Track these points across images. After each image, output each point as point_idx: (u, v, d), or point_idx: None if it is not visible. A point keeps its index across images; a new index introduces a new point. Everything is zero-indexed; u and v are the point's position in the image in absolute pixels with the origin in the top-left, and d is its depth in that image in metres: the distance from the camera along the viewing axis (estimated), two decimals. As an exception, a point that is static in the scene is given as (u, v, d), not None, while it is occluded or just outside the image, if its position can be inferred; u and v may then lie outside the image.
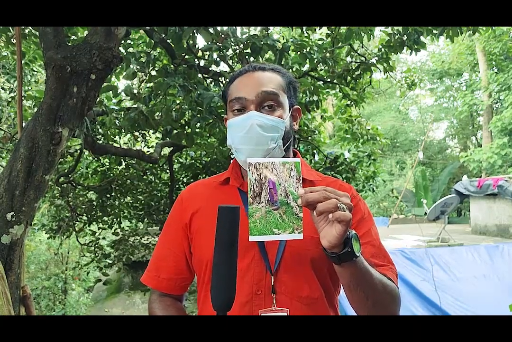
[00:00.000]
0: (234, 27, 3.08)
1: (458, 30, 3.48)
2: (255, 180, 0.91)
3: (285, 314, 1.07)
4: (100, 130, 4.11)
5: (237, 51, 3.13)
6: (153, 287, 1.27)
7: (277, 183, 0.91)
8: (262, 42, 2.97)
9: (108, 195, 4.87)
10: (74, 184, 4.73)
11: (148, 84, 3.75)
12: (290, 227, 0.91)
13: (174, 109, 3.35)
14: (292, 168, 0.92)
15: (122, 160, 4.61)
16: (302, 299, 1.11)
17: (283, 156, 1.16)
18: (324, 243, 0.91)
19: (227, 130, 1.21)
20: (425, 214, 10.86)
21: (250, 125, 1.10)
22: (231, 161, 4.36)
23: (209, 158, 4.79)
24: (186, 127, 3.67)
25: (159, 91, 3.05)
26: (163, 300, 1.25)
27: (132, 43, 3.83)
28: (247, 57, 3.24)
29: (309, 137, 4.95)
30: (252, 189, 0.91)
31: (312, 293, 1.12)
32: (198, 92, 2.83)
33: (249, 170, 0.91)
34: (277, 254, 1.11)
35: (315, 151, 5.12)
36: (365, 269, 0.98)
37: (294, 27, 3.82)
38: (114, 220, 5.17)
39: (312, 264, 1.11)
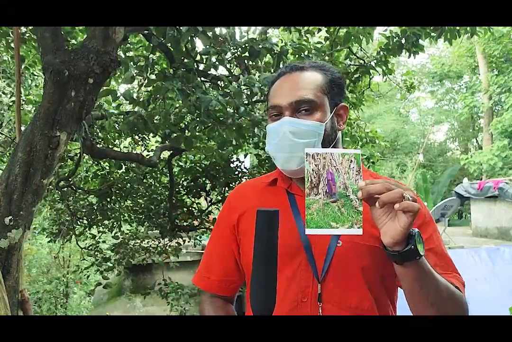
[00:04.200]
0: (232, 30, 3.09)
1: (456, 33, 3.49)
2: (312, 170, 0.86)
3: None
4: (99, 134, 4.12)
5: (236, 55, 3.14)
6: (203, 288, 1.26)
7: (335, 174, 0.87)
8: (260, 46, 2.98)
9: (108, 199, 4.87)
10: (74, 188, 4.73)
11: (147, 88, 3.76)
12: (349, 221, 0.86)
13: (173, 112, 3.36)
14: (352, 160, 0.87)
15: (122, 164, 4.61)
16: (351, 309, 1.05)
17: None
18: (386, 240, 0.85)
19: (266, 136, 1.16)
20: (426, 216, 10.81)
21: (283, 132, 1.06)
22: (230, 164, 4.32)
23: (209, 162, 4.79)
24: (186, 130, 3.68)
25: (158, 95, 3.05)
26: (213, 301, 1.24)
27: (131, 47, 3.84)
28: (245, 60, 3.24)
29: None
30: (309, 179, 0.86)
31: (361, 304, 1.06)
32: (197, 96, 2.84)
33: (306, 160, 0.87)
34: (325, 261, 1.06)
35: (314, 154, 5.12)
36: (429, 271, 0.91)
37: (292, 30, 3.83)
38: (114, 223, 5.16)
39: (363, 272, 1.06)
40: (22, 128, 2.43)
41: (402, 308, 1.06)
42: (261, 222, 0.78)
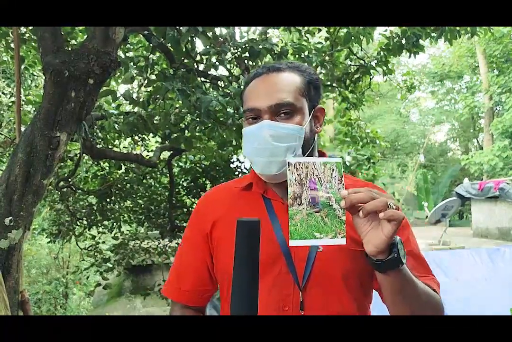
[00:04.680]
0: (232, 31, 3.09)
1: (456, 33, 3.49)
2: (295, 180, 0.85)
3: None
4: (99, 134, 4.12)
5: (236, 55, 3.14)
6: (174, 299, 1.21)
7: (318, 184, 0.86)
8: (260, 46, 2.98)
9: (108, 199, 4.87)
10: (74, 188, 4.73)
11: (147, 89, 3.76)
12: (333, 231, 0.85)
13: (173, 113, 3.36)
14: (333, 169, 0.87)
15: (121, 164, 4.61)
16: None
17: None
18: (369, 249, 0.85)
19: (242, 139, 1.11)
20: (426, 217, 10.83)
21: (263, 136, 1.01)
22: (230, 165, 4.32)
23: (209, 162, 4.79)
24: (186, 131, 3.68)
25: (158, 95, 3.05)
26: (184, 312, 1.20)
27: (131, 47, 3.84)
28: (245, 61, 3.24)
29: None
30: (293, 189, 0.85)
31: (343, 309, 1.04)
32: (197, 96, 2.83)
33: (288, 170, 0.85)
34: (305, 267, 1.03)
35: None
36: (410, 277, 0.91)
37: (292, 30, 3.83)
38: (114, 224, 5.16)
39: (344, 277, 1.04)
40: (22, 128, 2.43)
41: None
42: (242, 233, 0.76)
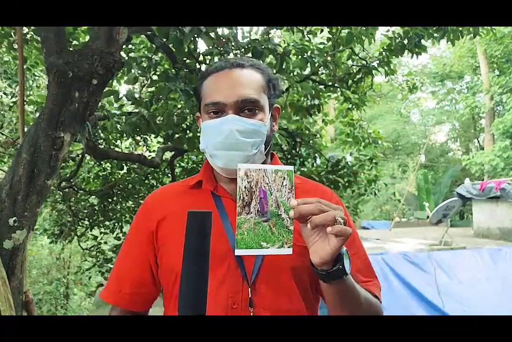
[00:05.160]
0: (235, 31, 3.09)
1: (459, 34, 3.48)
2: (245, 188, 0.83)
3: None
4: (101, 134, 4.13)
5: (238, 55, 3.14)
6: (113, 303, 1.16)
7: (268, 192, 0.84)
8: (263, 47, 2.98)
9: (110, 199, 4.87)
10: (75, 189, 4.74)
11: (150, 89, 3.76)
12: (280, 240, 0.84)
13: (175, 113, 3.36)
14: (284, 177, 0.85)
15: (123, 164, 4.62)
16: (282, 312, 1.02)
17: (263, 162, 1.10)
18: (314, 259, 0.86)
19: (201, 133, 1.09)
20: (428, 217, 10.81)
21: (229, 130, 1.01)
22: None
23: (211, 163, 4.79)
24: (188, 131, 3.68)
25: (160, 96, 3.05)
26: None
27: (133, 48, 3.84)
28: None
29: (311, 141, 4.95)
30: (241, 197, 0.83)
31: (292, 306, 1.04)
32: (199, 96, 2.83)
33: (238, 176, 0.83)
34: (254, 262, 1.02)
35: (316, 155, 5.12)
36: (352, 286, 0.93)
37: (295, 30, 3.83)
38: (116, 224, 5.17)
39: (293, 273, 1.04)
40: (25, 129, 2.43)
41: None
42: (192, 224, 0.74)
